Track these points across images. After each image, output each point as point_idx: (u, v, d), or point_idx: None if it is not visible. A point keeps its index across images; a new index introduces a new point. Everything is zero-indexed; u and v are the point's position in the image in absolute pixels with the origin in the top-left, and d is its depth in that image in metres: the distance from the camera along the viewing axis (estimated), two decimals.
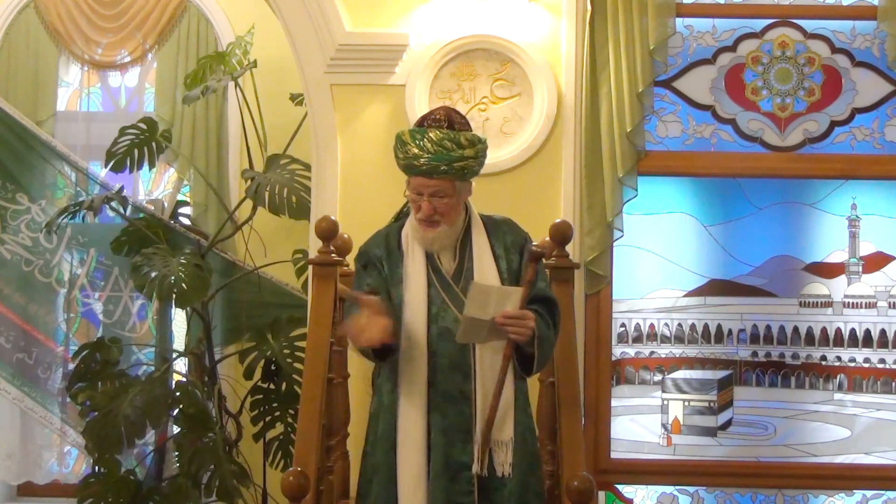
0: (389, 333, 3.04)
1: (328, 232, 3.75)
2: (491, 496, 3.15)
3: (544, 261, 3.75)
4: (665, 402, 4.48)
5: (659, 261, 4.49)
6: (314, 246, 3.97)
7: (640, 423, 4.47)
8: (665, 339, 4.49)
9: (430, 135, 3.15)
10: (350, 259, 3.89)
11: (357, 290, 3.26)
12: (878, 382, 4.46)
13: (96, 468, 4.63)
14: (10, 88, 5.40)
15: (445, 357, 3.17)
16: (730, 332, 4.48)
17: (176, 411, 4.67)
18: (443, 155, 3.13)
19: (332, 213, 4.16)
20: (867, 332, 4.47)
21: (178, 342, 5.12)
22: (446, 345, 3.16)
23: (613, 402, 4.43)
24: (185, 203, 5.36)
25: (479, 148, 3.20)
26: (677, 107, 4.49)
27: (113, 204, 4.81)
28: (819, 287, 4.47)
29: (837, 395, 4.47)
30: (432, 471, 3.14)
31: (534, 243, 3.27)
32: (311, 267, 3.90)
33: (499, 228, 3.31)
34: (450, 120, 3.20)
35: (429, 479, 3.14)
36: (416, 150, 3.14)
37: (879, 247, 4.49)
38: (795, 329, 4.47)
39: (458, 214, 3.23)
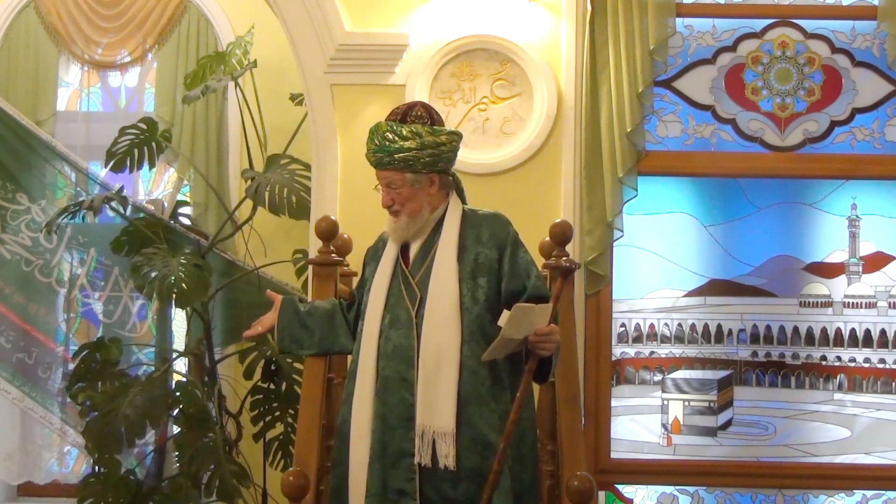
0: (264, 325, 3.50)
1: (328, 232, 3.75)
2: (439, 487, 3.14)
3: (545, 260, 3.77)
4: (665, 402, 4.48)
5: (659, 261, 4.49)
6: (314, 246, 3.98)
7: (640, 423, 4.47)
8: (665, 339, 4.49)
9: (380, 128, 3.25)
10: (350, 259, 3.90)
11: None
12: (878, 382, 4.47)
13: (96, 468, 4.62)
14: (10, 88, 5.40)
15: (391, 344, 3.22)
16: (730, 332, 4.48)
17: (176, 411, 4.66)
18: (385, 147, 3.22)
19: (332, 213, 4.16)
20: (867, 332, 4.47)
21: (178, 342, 5.12)
22: (394, 332, 3.22)
23: (613, 402, 4.43)
24: (185, 203, 5.36)
25: (425, 140, 3.20)
26: (677, 107, 4.50)
27: (113, 204, 4.80)
28: (819, 287, 4.47)
29: (837, 395, 4.47)
30: (370, 457, 3.18)
31: (564, 257, 3.18)
32: (311, 267, 3.90)
33: (479, 221, 3.31)
34: (405, 113, 3.26)
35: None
36: (369, 144, 3.27)
37: (879, 247, 4.49)
38: (795, 329, 4.47)
39: (420, 205, 3.26)
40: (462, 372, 3.14)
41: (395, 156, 3.20)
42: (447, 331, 3.16)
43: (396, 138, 3.20)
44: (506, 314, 3.04)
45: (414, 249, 3.31)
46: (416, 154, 3.20)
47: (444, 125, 3.33)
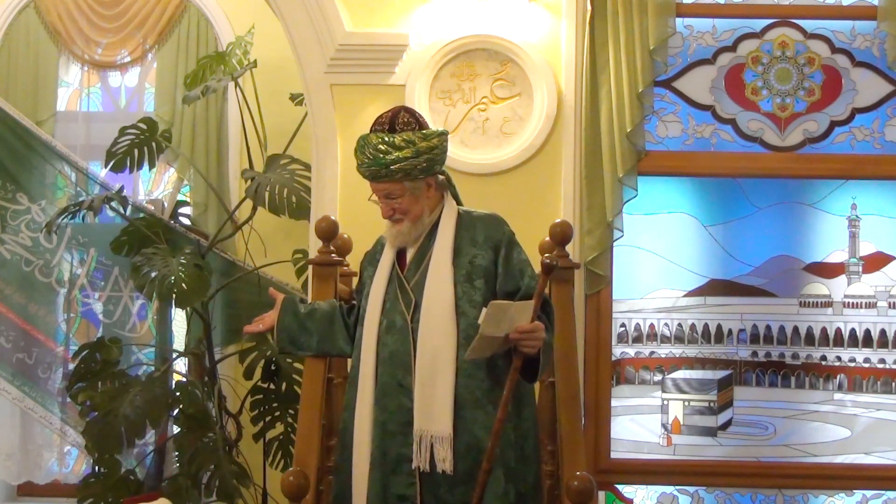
0: (265, 323, 3.48)
1: (328, 232, 3.75)
2: (436, 491, 3.14)
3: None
4: (665, 402, 4.48)
5: (659, 261, 4.49)
6: (314, 246, 3.98)
7: (640, 423, 4.47)
8: (665, 339, 4.49)
9: (370, 140, 3.20)
10: (350, 259, 3.90)
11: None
12: (878, 382, 4.47)
13: (96, 468, 4.63)
14: (10, 88, 5.41)
15: (388, 349, 3.21)
16: (730, 332, 4.48)
17: (176, 411, 4.67)
18: (379, 160, 3.17)
19: (332, 213, 4.16)
20: (867, 332, 4.47)
21: (178, 342, 5.12)
22: (391, 337, 3.22)
23: (613, 402, 4.43)
24: (185, 203, 5.36)
25: (420, 147, 3.18)
26: (677, 107, 4.50)
27: (113, 204, 4.81)
28: (819, 287, 4.47)
29: (837, 395, 4.47)
30: (370, 464, 3.19)
31: (546, 255, 3.11)
32: (311, 267, 3.89)
33: (473, 223, 3.29)
34: (392, 122, 3.22)
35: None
36: (360, 157, 3.22)
37: (879, 247, 4.49)
38: (795, 329, 4.47)
39: (422, 210, 3.25)
40: (458, 376, 3.14)
41: (392, 167, 3.17)
42: (443, 335, 3.15)
43: (390, 149, 3.16)
44: (484, 311, 3.01)
45: (410, 253, 3.30)
46: (413, 162, 3.18)
47: (428, 126, 3.31)
